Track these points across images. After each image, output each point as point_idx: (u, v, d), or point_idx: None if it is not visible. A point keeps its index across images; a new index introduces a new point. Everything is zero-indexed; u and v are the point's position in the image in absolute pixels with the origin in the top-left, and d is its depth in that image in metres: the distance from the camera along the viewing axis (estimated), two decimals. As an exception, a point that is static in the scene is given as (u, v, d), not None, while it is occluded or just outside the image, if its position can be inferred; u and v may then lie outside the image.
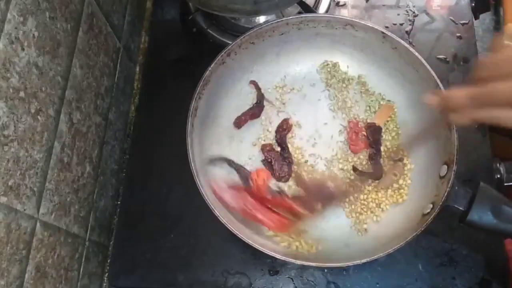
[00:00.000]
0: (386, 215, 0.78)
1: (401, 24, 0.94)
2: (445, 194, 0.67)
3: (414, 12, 0.94)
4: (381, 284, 0.77)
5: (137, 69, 0.98)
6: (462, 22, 0.93)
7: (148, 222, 0.82)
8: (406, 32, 0.93)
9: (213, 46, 0.91)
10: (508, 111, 0.46)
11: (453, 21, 0.93)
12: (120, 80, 0.88)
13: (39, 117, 0.59)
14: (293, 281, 0.78)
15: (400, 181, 0.79)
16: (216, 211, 0.69)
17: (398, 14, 0.95)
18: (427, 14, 0.94)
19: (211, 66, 0.76)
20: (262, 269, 0.78)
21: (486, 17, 0.97)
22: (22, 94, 0.55)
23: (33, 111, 0.58)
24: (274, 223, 0.73)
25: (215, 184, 0.73)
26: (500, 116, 0.47)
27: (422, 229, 0.66)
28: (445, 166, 0.72)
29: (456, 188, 0.68)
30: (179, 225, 0.81)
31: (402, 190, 0.78)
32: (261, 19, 0.93)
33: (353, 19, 0.78)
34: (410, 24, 0.94)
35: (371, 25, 0.77)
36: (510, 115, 0.46)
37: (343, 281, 0.77)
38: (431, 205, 0.70)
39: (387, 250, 0.66)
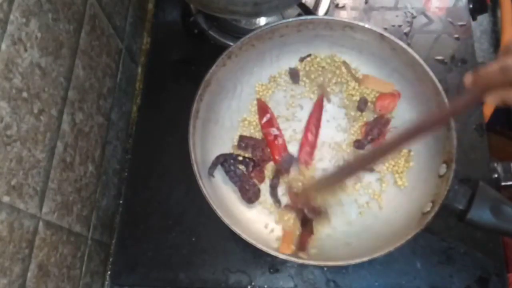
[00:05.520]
0: (385, 214, 0.78)
1: (400, 26, 0.94)
2: (445, 192, 0.68)
3: (412, 14, 0.94)
4: (380, 282, 0.77)
5: (139, 70, 0.98)
6: (460, 23, 0.93)
7: (149, 221, 0.82)
8: (405, 33, 0.93)
9: (214, 48, 0.92)
10: None
11: (451, 22, 0.93)
12: (122, 80, 0.89)
13: (41, 117, 0.59)
14: (293, 279, 0.78)
15: (399, 181, 0.79)
16: (218, 211, 0.69)
17: (397, 16, 0.95)
18: (425, 15, 0.94)
19: (212, 68, 0.76)
20: (262, 267, 0.78)
21: (484, 19, 0.97)
22: (25, 94, 0.55)
23: (36, 111, 0.58)
24: None
25: None
26: None
27: (423, 227, 0.67)
28: (444, 165, 0.72)
29: (456, 187, 0.68)
30: (181, 224, 0.81)
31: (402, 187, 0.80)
32: (262, 21, 0.94)
33: (352, 21, 0.79)
34: (408, 26, 0.94)
35: (369, 27, 0.78)
36: None
37: (343, 279, 0.78)
38: (431, 204, 0.70)
39: (387, 249, 0.67)
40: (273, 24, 0.79)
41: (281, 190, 0.80)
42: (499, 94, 0.49)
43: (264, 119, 0.84)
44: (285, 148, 0.82)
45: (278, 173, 0.80)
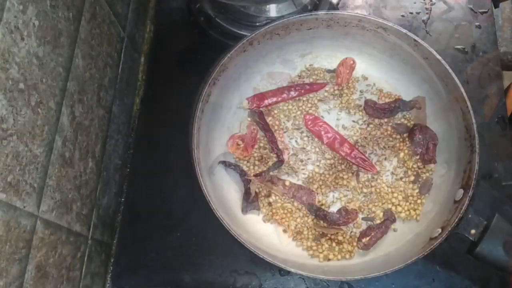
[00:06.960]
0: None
1: (418, 13, 0.94)
2: (456, 220, 0.67)
3: (431, 0, 0.94)
4: (396, 284, 0.77)
5: (142, 59, 0.98)
6: (481, 10, 0.93)
7: (153, 220, 0.82)
8: (423, 21, 0.93)
9: (221, 36, 0.92)
10: None
11: (472, 9, 0.93)
12: (124, 71, 0.88)
13: (39, 110, 0.59)
14: (305, 281, 0.77)
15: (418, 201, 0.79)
16: (218, 212, 0.69)
17: (415, 3, 0.95)
18: (445, 2, 0.94)
19: (231, 52, 0.76)
20: (272, 269, 0.78)
21: (506, 6, 0.97)
22: (21, 85, 0.55)
23: (33, 103, 0.57)
24: None
25: None
26: None
27: (426, 254, 0.66)
28: (461, 191, 0.71)
29: (470, 215, 0.67)
30: (185, 223, 0.81)
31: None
32: (272, 7, 0.92)
33: (387, 22, 0.78)
34: (427, 13, 0.93)
35: (404, 31, 0.77)
36: None
37: (357, 281, 0.77)
38: (440, 230, 0.69)
39: (394, 267, 0.68)
40: (301, 16, 0.78)
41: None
42: None
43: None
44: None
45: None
